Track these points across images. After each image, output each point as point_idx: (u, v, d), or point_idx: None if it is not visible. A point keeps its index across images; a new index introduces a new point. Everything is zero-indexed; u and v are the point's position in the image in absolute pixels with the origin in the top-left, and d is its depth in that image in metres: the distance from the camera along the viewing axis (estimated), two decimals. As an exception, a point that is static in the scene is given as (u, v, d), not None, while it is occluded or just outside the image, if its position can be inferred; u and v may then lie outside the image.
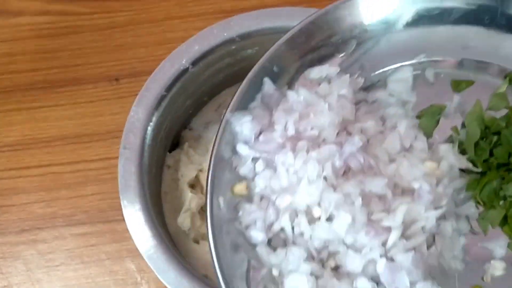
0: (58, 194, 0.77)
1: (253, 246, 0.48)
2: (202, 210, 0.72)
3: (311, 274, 0.46)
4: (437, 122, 0.53)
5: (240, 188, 0.50)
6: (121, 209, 0.63)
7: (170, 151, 0.74)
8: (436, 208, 0.47)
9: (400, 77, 0.54)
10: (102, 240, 0.74)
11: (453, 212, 0.50)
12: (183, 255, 0.68)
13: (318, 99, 0.50)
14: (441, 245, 0.48)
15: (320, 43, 0.53)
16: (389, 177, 0.47)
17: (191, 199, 0.69)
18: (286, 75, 0.53)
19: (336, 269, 0.48)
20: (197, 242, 0.70)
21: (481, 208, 0.51)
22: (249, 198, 0.50)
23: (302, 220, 0.46)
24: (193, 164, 0.73)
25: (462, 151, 0.51)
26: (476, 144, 0.50)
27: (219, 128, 0.50)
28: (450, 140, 0.52)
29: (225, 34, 0.68)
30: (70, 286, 0.73)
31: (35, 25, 0.85)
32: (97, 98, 0.81)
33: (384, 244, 0.45)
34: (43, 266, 0.74)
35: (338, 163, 0.46)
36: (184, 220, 0.69)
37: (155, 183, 0.70)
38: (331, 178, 0.46)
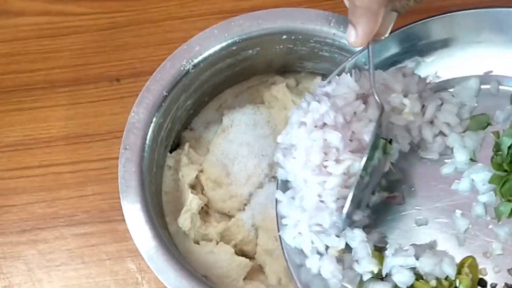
0: (59, 194, 0.77)
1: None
2: (202, 210, 0.72)
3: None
4: (484, 127, 0.62)
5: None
6: (121, 209, 0.63)
7: (170, 152, 0.74)
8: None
9: (469, 85, 0.62)
10: (102, 240, 0.75)
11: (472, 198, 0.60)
12: (183, 255, 0.68)
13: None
14: None
15: (409, 47, 0.63)
16: (355, 131, 0.57)
17: (191, 200, 0.69)
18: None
19: None
20: (197, 242, 0.70)
21: (500, 200, 0.59)
22: None
23: (288, 154, 0.58)
24: (193, 164, 0.73)
25: (497, 151, 0.60)
26: (509, 148, 0.59)
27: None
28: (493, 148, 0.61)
29: (225, 35, 0.69)
30: (70, 286, 0.73)
31: (36, 25, 0.85)
32: (98, 98, 0.81)
33: (322, 184, 0.56)
34: (43, 266, 0.74)
35: (315, 116, 0.57)
36: (184, 221, 0.69)
37: (156, 184, 0.70)
38: (310, 126, 0.57)
